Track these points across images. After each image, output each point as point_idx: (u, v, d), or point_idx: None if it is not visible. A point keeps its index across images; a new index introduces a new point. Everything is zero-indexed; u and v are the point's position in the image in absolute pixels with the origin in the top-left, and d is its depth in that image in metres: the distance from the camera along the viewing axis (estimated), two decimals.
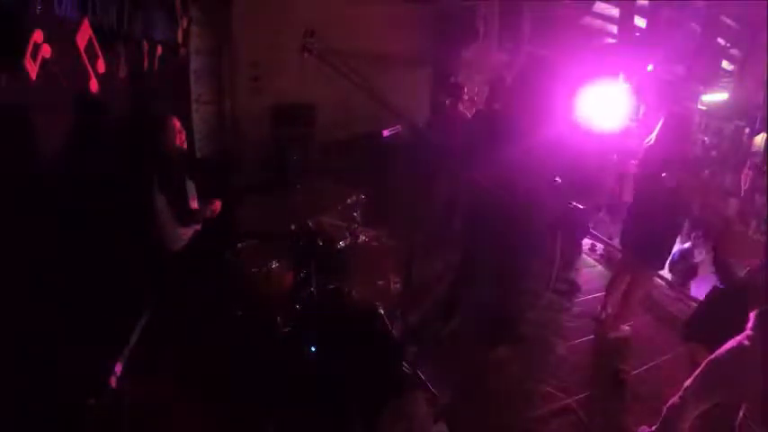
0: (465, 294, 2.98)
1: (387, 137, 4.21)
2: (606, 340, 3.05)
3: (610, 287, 3.24)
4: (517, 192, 2.34)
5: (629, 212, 3.06)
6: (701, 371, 1.93)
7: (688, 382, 1.96)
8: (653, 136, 2.76)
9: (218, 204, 2.83)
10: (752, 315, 1.73)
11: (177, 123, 2.68)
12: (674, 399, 2.01)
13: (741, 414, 1.84)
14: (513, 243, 2.56)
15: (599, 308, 3.28)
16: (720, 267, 2.51)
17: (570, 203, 4.64)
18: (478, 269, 2.79)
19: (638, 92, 5.01)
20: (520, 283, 2.95)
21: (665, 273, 4.10)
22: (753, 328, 1.71)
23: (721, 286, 2.66)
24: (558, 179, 2.69)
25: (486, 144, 2.45)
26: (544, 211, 2.67)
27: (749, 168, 5.14)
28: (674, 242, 2.95)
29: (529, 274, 3.30)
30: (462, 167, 2.60)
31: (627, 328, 3.05)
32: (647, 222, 2.75)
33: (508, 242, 2.52)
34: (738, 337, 1.76)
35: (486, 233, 2.55)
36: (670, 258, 3.31)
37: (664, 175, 2.61)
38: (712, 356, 1.86)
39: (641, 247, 2.84)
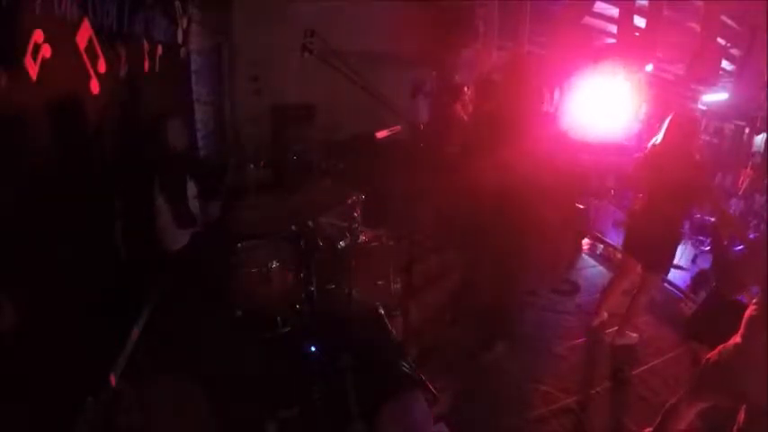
0: (465, 294, 2.98)
1: (385, 137, 4.21)
2: (606, 342, 3.05)
3: (606, 292, 3.22)
4: (520, 191, 2.35)
5: (633, 216, 3.04)
6: (695, 374, 1.92)
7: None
8: (659, 137, 2.73)
9: (215, 210, 2.87)
10: (746, 314, 1.72)
11: (178, 123, 2.68)
12: (669, 404, 2.02)
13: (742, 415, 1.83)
14: (515, 243, 2.56)
15: (593, 313, 3.26)
16: (716, 249, 2.52)
17: (577, 203, 4.65)
18: (479, 269, 2.79)
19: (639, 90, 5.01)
20: (521, 283, 2.96)
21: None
22: (745, 328, 1.70)
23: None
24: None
25: (487, 145, 2.46)
26: (549, 210, 2.68)
27: (750, 168, 5.14)
28: (678, 244, 2.94)
29: (530, 274, 3.30)
30: (463, 168, 2.61)
31: (634, 335, 3.03)
32: (653, 225, 2.73)
33: (510, 242, 2.53)
34: (732, 338, 1.75)
35: (487, 233, 2.55)
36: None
37: (673, 175, 2.59)
38: (707, 358, 1.86)
39: (647, 250, 2.82)
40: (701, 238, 4.83)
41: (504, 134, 2.37)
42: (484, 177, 2.43)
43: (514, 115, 2.40)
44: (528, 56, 5.38)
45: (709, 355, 1.85)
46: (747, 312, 1.71)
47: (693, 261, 4.72)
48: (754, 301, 1.72)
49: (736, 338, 1.72)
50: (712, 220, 4.63)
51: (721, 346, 1.78)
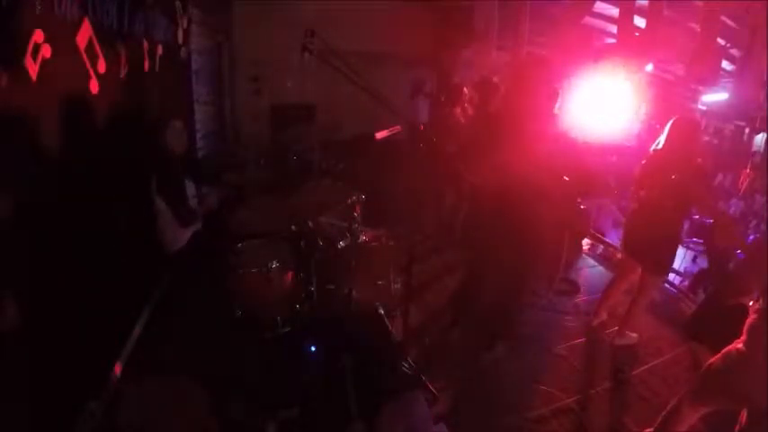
0: (466, 294, 2.98)
1: (385, 137, 4.21)
2: (606, 342, 3.05)
3: (606, 293, 3.22)
4: (521, 192, 2.35)
5: (631, 217, 3.03)
6: (697, 378, 1.92)
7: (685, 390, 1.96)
8: (661, 140, 2.73)
9: (213, 200, 2.85)
10: (747, 321, 1.72)
11: (178, 124, 2.68)
12: (670, 406, 2.01)
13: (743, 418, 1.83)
14: (518, 243, 2.56)
15: (593, 313, 3.26)
16: (712, 254, 2.53)
17: (578, 203, 4.65)
18: (481, 269, 2.79)
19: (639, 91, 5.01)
20: (522, 283, 2.95)
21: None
22: (747, 334, 1.70)
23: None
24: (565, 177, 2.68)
25: (488, 146, 2.45)
26: (549, 210, 2.67)
27: (750, 168, 5.13)
28: (677, 246, 2.94)
29: (532, 274, 3.30)
30: (465, 169, 2.61)
31: (634, 335, 3.03)
32: (653, 227, 2.73)
33: (512, 242, 2.53)
34: (734, 343, 1.75)
35: (489, 233, 2.55)
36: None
37: (673, 177, 2.59)
38: (708, 363, 1.86)
39: (647, 252, 2.82)
40: (696, 239, 4.84)
41: (506, 135, 2.37)
42: (485, 179, 2.43)
43: (517, 116, 2.40)
44: (537, 57, 5.38)
45: (710, 361, 1.85)
46: (749, 319, 1.71)
47: (694, 261, 4.72)
48: (752, 304, 1.72)
49: (738, 344, 1.72)
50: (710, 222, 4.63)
51: (723, 351, 1.78)
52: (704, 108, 6.38)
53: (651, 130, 4.69)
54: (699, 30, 4.65)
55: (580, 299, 3.63)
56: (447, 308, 3.15)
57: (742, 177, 5.16)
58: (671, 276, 4.12)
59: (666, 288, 3.92)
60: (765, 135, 5.56)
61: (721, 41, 4.89)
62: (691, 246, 4.81)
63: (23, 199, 1.57)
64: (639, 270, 2.94)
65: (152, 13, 2.99)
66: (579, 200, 4.54)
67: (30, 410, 1.58)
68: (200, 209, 2.77)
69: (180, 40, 3.86)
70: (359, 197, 3.01)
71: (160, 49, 3.21)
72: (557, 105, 2.58)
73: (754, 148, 5.94)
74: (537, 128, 2.38)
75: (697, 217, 4.78)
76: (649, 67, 5.14)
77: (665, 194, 2.66)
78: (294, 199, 3.03)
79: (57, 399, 1.73)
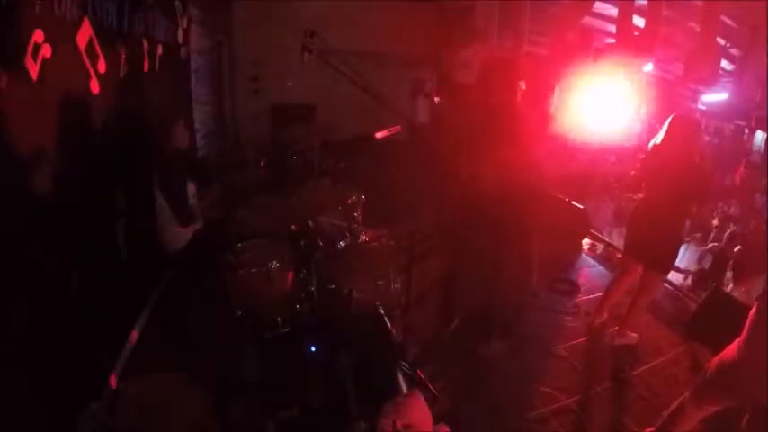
0: (465, 294, 2.98)
1: (385, 137, 4.20)
2: (606, 342, 3.05)
3: (607, 292, 3.22)
4: (516, 189, 2.35)
5: (633, 216, 3.03)
6: (700, 377, 1.92)
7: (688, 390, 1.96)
8: (659, 136, 2.73)
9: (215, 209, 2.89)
10: (749, 316, 1.72)
11: (180, 124, 2.68)
12: (673, 406, 2.00)
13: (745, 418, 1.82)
14: (513, 242, 2.56)
15: (594, 312, 3.26)
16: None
17: (569, 202, 4.65)
18: (478, 269, 2.79)
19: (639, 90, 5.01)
20: (519, 282, 2.95)
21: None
22: (749, 328, 1.70)
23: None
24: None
25: (481, 139, 2.45)
26: (541, 208, 2.68)
27: (745, 168, 5.14)
28: (680, 245, 2.94)
29: (529, 274, 3.29)
30: (459, 164, 2.61)
31: (634, 335, 3.03)
32: (654, 226, 2.73)
33: (507, 241, 2.53)
34: (737, 340, 1.75)
35: (485, 232, 2.55)
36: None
37: (673, 175, 2.59)
38: (711, 362, 1.85)
39: (648, 251, 2.81)
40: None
41: (489, 132, 2.37)
42: (465, 173, 2.44)
43: (497, 114, 2.41)
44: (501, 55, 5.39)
45: (713, 360, 1.84)
46: (751, 312, 1.71)
47: (699, 262, 4.70)
48: (756, 301, 1.72)
49: (740, 339, 1.72)
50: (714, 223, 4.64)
51: (725, 350, 1.78)
52: (704, 108, 6.37)
53: (651, 130, 4.68)
54: (699, 30, 4.65)
55: (580, 299, 3.63)
56: (446, 307, 3.15)
57: (737, 176, 5.16)
58: (672, 276, 4.11)
59: (667, 288, 3.92)
60: (765, 135, 5.56)
61: (721, 41, 4.88)
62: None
63: (23, 199, 1.57)
64: (640, 269, 2.94)
65: (152, 13, 2.99)
66: (568, 199, 4.54)
67: (31, 411, 1.58)
68: (201, 211, 2.79)
69: (180, 40, 3.86)
70: (359, 197, 3.01)
71: (160, 49, 3.21)
72: (551, 105, 2.59)
73: (754, 148, 5.94)
74: (522, 126, 2.38)
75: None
76: (649, 67, 5.13)
77: (665, 193, 2.66)
78: (294, 199, 3.02)
79: (58, 399, 1.73)
